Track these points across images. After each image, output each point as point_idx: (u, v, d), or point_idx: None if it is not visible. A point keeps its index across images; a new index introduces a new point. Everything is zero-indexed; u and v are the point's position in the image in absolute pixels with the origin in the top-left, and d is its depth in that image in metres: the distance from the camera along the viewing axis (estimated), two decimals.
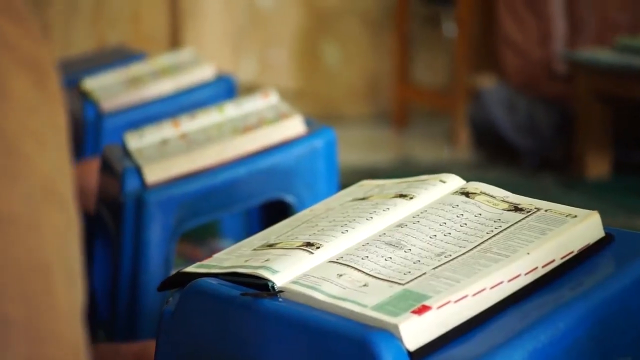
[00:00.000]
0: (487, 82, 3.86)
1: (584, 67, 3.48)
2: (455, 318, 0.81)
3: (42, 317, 0.54)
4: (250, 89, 1.73)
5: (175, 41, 4.47)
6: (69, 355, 0.54)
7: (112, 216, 1.53)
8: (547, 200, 0.93)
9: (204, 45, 4.53)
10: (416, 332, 0.79)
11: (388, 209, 0.97)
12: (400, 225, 0.95)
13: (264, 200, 1.53)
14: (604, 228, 0.90)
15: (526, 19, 3.77)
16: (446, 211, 0.95)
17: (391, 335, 0.79)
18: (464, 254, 0.88)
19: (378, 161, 3.87)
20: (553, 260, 0.86)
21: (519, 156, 3.70)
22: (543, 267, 0.86)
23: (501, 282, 0.84)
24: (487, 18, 4.06)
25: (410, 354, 0.78)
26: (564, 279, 0.86)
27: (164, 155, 1.52)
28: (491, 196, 0.96)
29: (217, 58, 4.49)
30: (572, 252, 0.87)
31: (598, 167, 3.49)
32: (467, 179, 1.01)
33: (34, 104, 0.57)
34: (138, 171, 1.48)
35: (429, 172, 1.03)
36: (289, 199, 1.50)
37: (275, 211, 1.55)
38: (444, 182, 1.00)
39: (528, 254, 0.85)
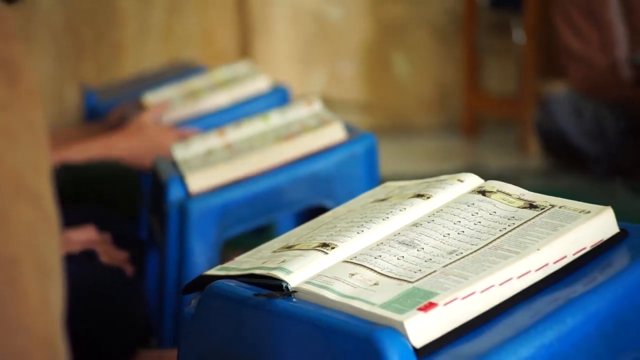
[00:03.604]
0: (556, 89, 3.81)
1: None
2: (463, 315, 0.81)
3: (8, 309, 0.55)
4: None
5: (245, 57, 4.52)
6: (40, 349, 0.55)
7: (159, 225, 1.56)
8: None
9: (274, 59, 4.57)
10: (422, 329, 0.79)
11: (405, 208, 0.97)
12: (416, 224, 0.95)
13: (305, 207, 1.54)
14: (618, 224, 0.89)
15: (585, 29, 3.71)
16: (461, 210, 0.95)
17: (397, 332, 0.79)
18: (475, 251, 0.87)
19: (447, 170, 3.84)
20: (565, 257, 0.86)
21: (589, 163, 3.64)
22: (554, 263, 0.85)
23: (510, 279, 0.83)
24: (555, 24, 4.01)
25: (416, 350, 0.79)
26: (577, 275, 0.85)
27: (208, 164, 1.54)
28: (507, 194, 0.96)
29: (287, 72, 4.52)
30: (585, 248, 0.86)
31: None
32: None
33: (3, 100, 0.58)
34: (182, 180, 1.51)
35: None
36: (330, 205, 1.51)
37: None
38: (461, 181, 1.00)
39: (538, 250, 0.85)
